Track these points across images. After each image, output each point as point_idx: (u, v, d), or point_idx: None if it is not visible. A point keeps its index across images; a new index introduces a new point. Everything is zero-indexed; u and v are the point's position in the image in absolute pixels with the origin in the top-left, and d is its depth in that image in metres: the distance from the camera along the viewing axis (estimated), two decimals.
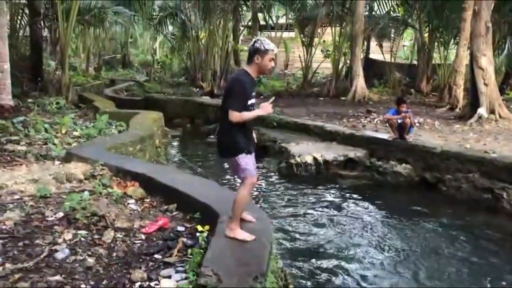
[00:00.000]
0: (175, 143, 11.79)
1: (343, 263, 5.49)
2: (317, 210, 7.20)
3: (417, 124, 9.22)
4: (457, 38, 18.81)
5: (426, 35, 20.04)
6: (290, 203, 7.49)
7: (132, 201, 4.99)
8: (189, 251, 3.70)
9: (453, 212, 7.40)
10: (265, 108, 3.85)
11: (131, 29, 30.19)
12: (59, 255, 3.59)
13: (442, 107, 15.72)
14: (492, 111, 12.46)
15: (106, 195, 5.01)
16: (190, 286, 3.12)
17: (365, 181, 8.51)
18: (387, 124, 9.02)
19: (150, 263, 3.66)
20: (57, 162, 6.18)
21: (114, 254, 3.77)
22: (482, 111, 12.29)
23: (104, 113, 9.43)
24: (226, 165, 9.63)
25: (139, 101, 16.01)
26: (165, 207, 4.83)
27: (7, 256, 3.55)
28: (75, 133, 8.12)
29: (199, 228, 4.23)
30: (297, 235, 6.20)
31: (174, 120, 14.18)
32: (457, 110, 14.76)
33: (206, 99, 15.26)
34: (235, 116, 3.69)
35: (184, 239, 4.02)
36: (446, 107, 15.46)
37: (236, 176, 4.19)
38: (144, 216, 4.60)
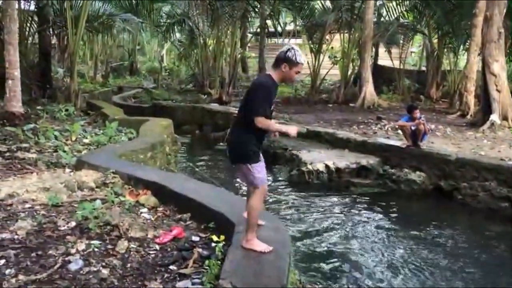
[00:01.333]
0: (184, 150, 11.69)
1: (354, 273, 5.37)
2: (329, 219, 7.09)
3: (430, 131, 9.07)
4: (467, 44, 18.78)
5: (435, 41, 19.94)
6: (302, 212, 7.37)
7: (145, 210, 4.89)
8: (206, 262, 3.59)
9: (469, 221, 7.28)
10: (292, 129, 3.74)
11: (138, 36, 30.27)
12: (73, 266, 3.49)
13: (452, 113, 15.58)
14: (505, 118, 12.32)
15: (118, 204, 4.92)
16: None
17: (378, 189, 8.37)
18: (400, 131, 8.88)
19: (166, 275, 3.55)
20: (67, 170, 6.11)
21: (129, 265, 3.66)
22: (494, 117, 12.15)
23: (113, 120, 9.36)
24: (234, 173, 9.57)
25: (147, 108, 16.00)
26: (179, 216, 4.72)
27: (20, 267, 3.46)
28: (85, 140, 8.05)
29: (214, 238, 4.16)
30: (308, 243, 6.09)
31: (183, 127, 14.12)
32: (468, 116, 14.62)
33: (215, 105, 15.20)
34: (262, 122, 3.57)
35: (200, 250, 3.91)
36: (457, 114, 15.32)
37: (245, 183, 4.09)
38: (157, 225, 4.50)
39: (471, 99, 15.31)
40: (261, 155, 3.79)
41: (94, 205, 4.63)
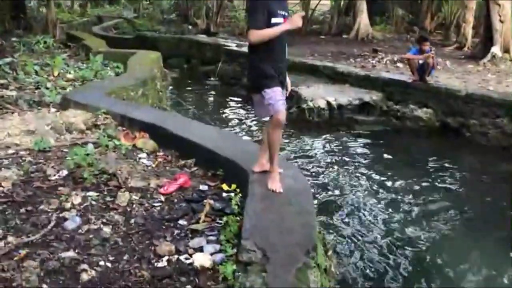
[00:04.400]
0: (173, 86, 11.03)
1: (358, 215, 5.18)
2: (331, 160, 6.74)
3: (438, 66, 8.59)
4: None
5: None
6: (302, 153, 6.98)
7: (144, 155, 4.42)
8: (221, 217, 3.20)
9: (479, 160, 6.98)
10: (293, 21, 3.25)
11: None
12: (69, 225, 3.06)
13: (449, 45, 15.02)
14: (506, 50, 11.87)
15: (113, 149, 4.43)
16: (232, 265, 2.61)
17: (382, 127, 7.99)
18: (407, 65, 8.37)
19: (175, 231, 3.16)
20: (52, 110, 5.53)
21: (132, 220, 3.25)
22: (496, 50, 11.68)
23: (98, 53, 8.65)
24: (233, 112, 9.08)
25: (130, 40, 15.05)
26: (182, 162, 4.27)
27: (8, 226, 3.02)
28: (69, 76, 7.37)
29: (225, 187, 3.76)
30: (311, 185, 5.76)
31: (169, 60, 13.31)
32: (466, 49, 14.11)
33: (203, 37, 14.36)
34: (255, 34, 3.20)
35: (211, 201, 3.49)
36: (454, 46, 14.76)
37: (260, 116, 3.74)
38: (160, 173, 4.05)
39: (469, 31, 14.72)
40: (277, 79, 3.37)
41: (87, 150, 4.13)
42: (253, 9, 3.27)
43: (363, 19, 16.52)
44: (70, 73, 7.55)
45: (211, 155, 4.09)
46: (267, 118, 3.48)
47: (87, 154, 4.02)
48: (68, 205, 3.33)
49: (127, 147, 4.45)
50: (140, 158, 4.33)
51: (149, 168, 4.15)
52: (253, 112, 8.77)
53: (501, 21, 11.81)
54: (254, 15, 3.24)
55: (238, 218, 3.10)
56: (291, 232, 2.83)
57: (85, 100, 5.44)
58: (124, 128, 4.95)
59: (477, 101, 7.23)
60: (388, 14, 19.91)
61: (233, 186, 3.72)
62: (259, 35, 3.21)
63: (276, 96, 3.33)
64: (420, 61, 7.80)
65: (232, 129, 7.72)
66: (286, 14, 3.34)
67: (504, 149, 6.87)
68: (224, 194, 3.66)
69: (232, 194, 3.60)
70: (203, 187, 3.80)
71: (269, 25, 3.23)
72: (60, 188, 3.60)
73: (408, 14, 20.13)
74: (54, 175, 3.81)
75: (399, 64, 11.03)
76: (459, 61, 11.95)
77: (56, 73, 7.40)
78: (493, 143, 7.00)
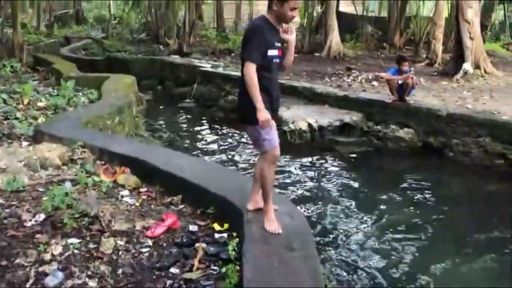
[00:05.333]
0: (147, 109, 10.71)
1: (341, 237, 5.05)
2: (315, 183, 6.60)
3: (417, 85, 8.59)
4: None
5: None
6: (286, 176, 6.81)
7: (126, 192, 4.15)
8: (217, 264, 2.97)
9: (462, 179, 6.95)
10: (262, 115, 3.05)
11: None
12: (51, 281, 2.77)
13: (419, 62, 15.19)
14: (477, 66, 12.05)
15: (93, 186, 4.15)
16: None
17: (364, 148, 7.88)
18: (387, 85, 8.33)
19: (168, 282, 2.91)
20: (25, 143, 5.20)
21: (120, 271, 2.99)
22: (467, 66, 11.85)
23: (69, 78, 8.32)
24: (214, 138, 8.83)
25: (100, 61, 14.72)
26: (168, 199, 4.01)
27: None
28: (40, 104, 7.02)
29: (217, 227, 3.53)
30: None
31: (141, 82, 12.97)
32: (437, 65, 14.32)
33: (176, 58, 14.11)
34: (250, 71, 3.03)
35: (204, 245, 3.25)
36: (425, 62, 14.95)
37: (254, 147, 3.63)
38: (145, 213, 3.79)
39: (439, 47, 14.97)
40: (271, 113, 3.18)
41: (65, 189, 3.85)
42: (252, 41, 3.09)
43: (334, 37, 16.63)
44: (41, 101, 7.20)
45: (199, 191, 3.86)
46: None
47: (66, 194, 3.74)
48: (47, 256, 3.04)
49: (108, 184, 4.17)
50: (122, 196, 4.06)
51: (133, 207, 3.88)
52: (234, 137, 8.60)
53: (471, 38, 12.02)
54: (253, 47, 3.08)
55: (237, 267, 2.87)
56: (298, 281, 2.62)
57: (60, 132, 5.14)
58: (103, 163, 4.67)
59: (459, 120, 7.22)
60: (357, 32, 20.12)
61: (226, 225, 3.50)
62: (252, 79, 3.03)
63: (271, 130, 3.16)
64: (400, 81, 7.77)
65: (215, 157, 7.46)
66: (280, 45, 3.21)
67: (487, 169, 6.85)
68: (217, 235, 3.43)
69: (225, 235, 3.39)
70: (193, 228, 3.56)
71: (266, 57, 3.10)
72: (37, 235, 3.30)
73: (377, 31, 20.41)
74: (30, 220, 3.50)
75: (375, 83, 11.05)
76: (432, 77, 12.06)
77: (26, 101, 7.04)
78: (476, 162, 6.98)
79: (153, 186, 4.25)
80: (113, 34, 22.85)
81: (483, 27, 19.03)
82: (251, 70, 3.03)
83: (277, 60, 3.24)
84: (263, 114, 3.05)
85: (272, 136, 3.15)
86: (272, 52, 3.13)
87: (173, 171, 4.14)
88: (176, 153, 4.85)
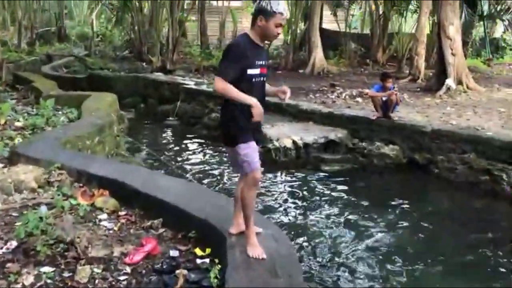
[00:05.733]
0: (130, 128, 10.52)
1: (327, 258, 4.95)
2: (300, 202, 6.52)
3: (401, 101, 8.59)
4: (411, 5, 18.55)
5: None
6: (270, 195, 6.69)
7: (104, 216, 3.99)
8: None
9: (447, 196, 6.92)
10: (258, 110, 2.99)
11: None
12: None
13: (402, 78, 15.30)
14: (459, 82, 12.17)
15: (69, 210, 3.98)
16: None
17: (350, 165, 7.82)
18: (371, 102, 8.31)
19: None
20: None
21: None
22: (450, 82, 11.95)
23: (49, 97, 8.13)
24: (197, 156, 8.69)
25: (82, 79, 14.47)
26: (148, 223, 3.86)
27: None
28: (18, 124, 6.81)
29: (198, 252, 3.39)
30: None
31: (124, 100, 12.80)
32: (419, 81, 14.42)
33: (159, 75, 13.99)
34: (220, 84, 2.95)
35: (185, 272, 3.11)
36: (408, 78, 15.05)
37: (234, 170, 3.52)
38: (123, 238, 3.63)
39: (421, 63, 15.10)
40: (252, 133, 3.12)
41: (39, 213, 3.68)
42: (227, 57, 3.02)
43: (318, 53, 16.71)
44: (18, 120, 6.99)
45: (180, 214, 3.72)
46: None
47: (41, 219, 3.57)
48: (18, 286, 2.87)
49: (85, 208, 4.01)
50: (100, 220, 3.90)
51: (111, 232, 3.72)
52: (218, 155, 8.47)
53: (453, 54, 12.15)
54: (226, 63, 3.01)
55: None
56: None
57: (37, 153, 4.96)
58: (81, 185, 4.51)
59: (443, 137, 7.20)
60: (341, 48, 20.26)
61: (208, 250, 3.37)
62: (224, 88, 2.96)
63: (252, 152, 3.07)
64: (384, 98, 7.76)
65: (199, 175, 7.33)
66: (264, 63, 3.12)
67: (472, 185, 6.82)
68: (198, 261, 3.29)
69: (207, 261, 3.25)
70: (173, 253, 3.41)
71: (245, 76, 3.01)
72: (8, 264, 3.12)
73: (360, 47, 20.57)
74: (1, 248, 3.33)
75: (359, 99, 11.07)
76: (416, 93, 12.12)
77: (3, 121, 6.83)
78: (461, 179, 6.94)
79: (132, 209, 4.09)
80: (96, 51, 22.64)
81: (464, 44, 19.26)
82: (219, 81, 2.96)
83: (260, 79, 3.13)
84: (258, 105, 2.97)
85: (252, 158, 3.05)
86: (252, 71, 3.03)
87: (153, 193, 4.00)
88: (157, 173, 4.71)
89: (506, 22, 18.61)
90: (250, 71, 3.02)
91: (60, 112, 7.77)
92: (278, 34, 3.10)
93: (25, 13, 24.28)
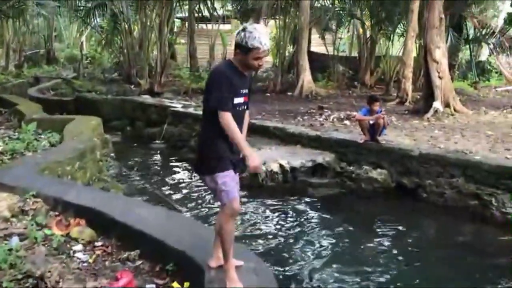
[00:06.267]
0: (115, 151, 10.34)
1: None
2: (286, 229, 6.31)
3: (389, 124, 8.53)
4: (399, 28, 18.74)
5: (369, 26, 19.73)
6: (255, 222, 6.53)
7: (79, 247, 3.81)
8: None
9: (436, 221, 6.81)
10: (254, 160, 2.93)
11: (55, 22, 27.84)
12: None
13: (390, 100, 15.32)
14: (447, 105, 12.20)
15: (43, 241, 3.81)
16: None
17: (338, 189, 7.69)
18: (358, 125, 8.24)
19: None
20: None
21: None
22: (437, 105, 11.98)
23: (31, 121, 7.97)
24: (182, 181, 8.52)
25: (69, 102, 14.36)
26: (125, 254, 3.69)
27: None
28: None
29: (176, 285, 3.24)
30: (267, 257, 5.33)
31: (111, 123, 12.68)
32: (407, 103, 14.44)
33: (147, 98, 13.90)
34: (225, 118, 2.88)
35: None
36: (396, 101, 15.06)
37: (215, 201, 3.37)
38: (98, 271, 3.46)
39: (409, 86, 15.15)
40: (231, 161, 3.03)
41: (10, 245, 3.51)
42: (219, 87, 2.91)
43: (306, 76, 16.72)
44: None
45: (158, 245, 3.57)
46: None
47: (10, 251, 3.40)
48: None
49: (59, 239, 3.83)
50: (74, 252, 3.73)
51: (85, 264, 3.56)
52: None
53: (440, 77, 12.20)
54: (219, 93, 2.91)
55: None
56: None
57: (13, 181, 4.79)
58: (57, 213, 4.34)
59: (432, 161, 7.12)
60: (329, 71, 20.35)
61: (186, 284, 3.22)
62: (229, 126, 2.88)
63: (229, 181, 2.96)
64: (371, 121, 7.70)
65: (184, 202, 7.16)
66: (247, 91, 3.03)
67: (461, 210, 6.71)
68: None
69: None
70: (150, 287, 3.25)
71: (233, 103, 2.96)
72: None
73: (348, 70, 20.68)
74: None
75: (347, 122, 11.03)
76: (403, 116, 12.11)
77: None
78: (450, 203, 6.84)
79: (109, 239, 3.93)
80: (85, 74, 22.56)
81: (451, 67, 19.46)
82: (227, 118, 2.88)
83: (243, 107, 3.09)
84: (254, 157, 2.93)
85: (230, 188, 2.93)
86: (238, 100, 2.97)
87: (131, 222, 3.85)
88: (136, 202, 4.56)
89: (491, 46, 18.82)
90: (236, 100, 2.95)
91: (42, 136, 7.60)
92: (260, 66, 3.02)
93: (13, 36, 24.21)
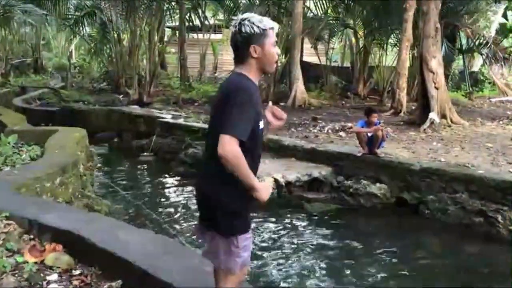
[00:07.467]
0: (101, 163, 9.93)
1: None
2: (279, 248, 5.99)
3: (387, 137, 8.21)
4: (392, 38, 18.55)
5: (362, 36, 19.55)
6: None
7: (54, 276, 3.40)
8: None
9: (440, 240, 6.47)
10: (264, 193, 2.30)
11: (43, 30, 27.38)
12: None
13: (384, 111, 15.06)
14: (443, 116, 11.96)
15: (12, 270, 3.39)
16: None
17: (335, 205, 7.34)
18: (356, 138, 7.91)
19: None
20: None
21: None
22: (433, 116, 11.72)
23: (11, 133, 7.54)
24: (171, 198, 8.11)
25: (55, 113, 13.91)
26: (105, 285, 3.29)
27: None
28: None
29: None
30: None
31: (98, 134, 12.25)
32: (402, 114, 14.19)
33: (135, 108, 13.51)
34: (232, 147, 2.15)
35: None
36: (390, 112, 14.80)
37: (211, 261, 2.56)
38: None
39: (403, 96, 14.91)
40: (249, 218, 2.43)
41: None
42: (245, 112, 2.23)
43: (299, 86, 16.47)
44: None
45: (143, 275, 3.16)
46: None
47: None
48: None
49: (32, 268, 3.42)
50: (48, 283, 3.31)
51: None
52: (194, 197, 7.91)
53: (436, 88, 11.97)
54: (245, 119, 2.23)
55: None
56: None
57: None
58: (32, 237, 3.92)
59: (433, 175, 6.80)
60: (322, 81, 20.10)
61: None
62: (237, 157, 2.17)
63: (250, 245, 2.41)
64: (369, 134, 7.38)
65: (173, 220, 6.76)
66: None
67: (466, 227, 6.38)
68: None
69: None
70: None
71: (256, 131, 2.32)
72: None
73: (341, 80, 20.44)
74: None
75: (342, 133, 10.74)
76: (399, 127, 11.84)
77: None
78: (453, 220, 6.50)
79: (89, 267, 3.52)
80: (73, 83, 22.12)
81: (445, 77, 19.37)
82: (235, 145, 2.16)
83: (262, 131, 2.47)
84: (265, 192, 2.30)
85: (247, 254, 2.39)
86: (261, 124, 2.40)
87: (113, 249, 3.43)
88: (120, 224, 4.14)
89: (484, 56, 18.73)
90: (261, 125, 2.37)
91: (23, 149, 7.17)
92: (278, 55, 2.46)
93: (0, 45, 23.74)
